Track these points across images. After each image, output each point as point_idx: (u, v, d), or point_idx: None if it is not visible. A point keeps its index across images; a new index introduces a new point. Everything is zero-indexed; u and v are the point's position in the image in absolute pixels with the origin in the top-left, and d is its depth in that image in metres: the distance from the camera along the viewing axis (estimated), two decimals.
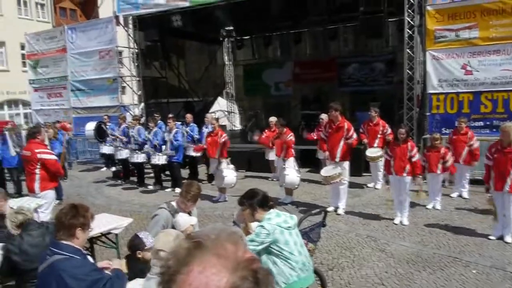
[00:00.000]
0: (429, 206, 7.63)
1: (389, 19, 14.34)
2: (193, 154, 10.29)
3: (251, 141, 12.49)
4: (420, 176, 6.88)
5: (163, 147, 9.93)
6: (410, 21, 9.99)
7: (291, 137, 8.46)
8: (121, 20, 13.81)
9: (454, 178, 8.44)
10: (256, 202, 3.24)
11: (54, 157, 6.59)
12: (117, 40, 13.93)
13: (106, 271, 2.95)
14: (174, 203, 3.96)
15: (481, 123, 9.19)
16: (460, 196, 8.33)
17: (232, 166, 8.74)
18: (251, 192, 3.34)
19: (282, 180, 8.19)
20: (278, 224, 3.14)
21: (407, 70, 10.18)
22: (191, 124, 10.90)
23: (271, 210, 3.24)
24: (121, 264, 3.27)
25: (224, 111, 19.62)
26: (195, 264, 0.78)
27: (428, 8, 9.54)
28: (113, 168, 12.25)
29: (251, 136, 10.01)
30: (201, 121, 11.28)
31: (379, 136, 9.16)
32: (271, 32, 17.87)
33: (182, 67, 16.90)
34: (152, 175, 10.73)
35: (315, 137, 9.38)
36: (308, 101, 17.47)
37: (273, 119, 10.20)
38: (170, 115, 10.23)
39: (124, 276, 3.00)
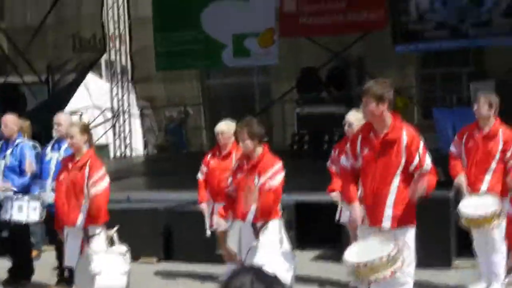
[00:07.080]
0: None
1: None
2: (18, 218, 5.73)
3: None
4: None
5: None
6: None
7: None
8: None
9: None
10: None
11: None
12: None
13: None
14: None
15: None
16: None
17: (123, 248, 5.28)
18: None
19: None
20: None
21: None
22: (18, 140, 6.76)
23: None
24: None
25: (102, 110, 13.96)
26: None
27: None
28: None
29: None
30: (46, 133, 7.82)
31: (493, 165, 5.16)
32: None
33: None
34: None
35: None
36: None
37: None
38: None
39: None
